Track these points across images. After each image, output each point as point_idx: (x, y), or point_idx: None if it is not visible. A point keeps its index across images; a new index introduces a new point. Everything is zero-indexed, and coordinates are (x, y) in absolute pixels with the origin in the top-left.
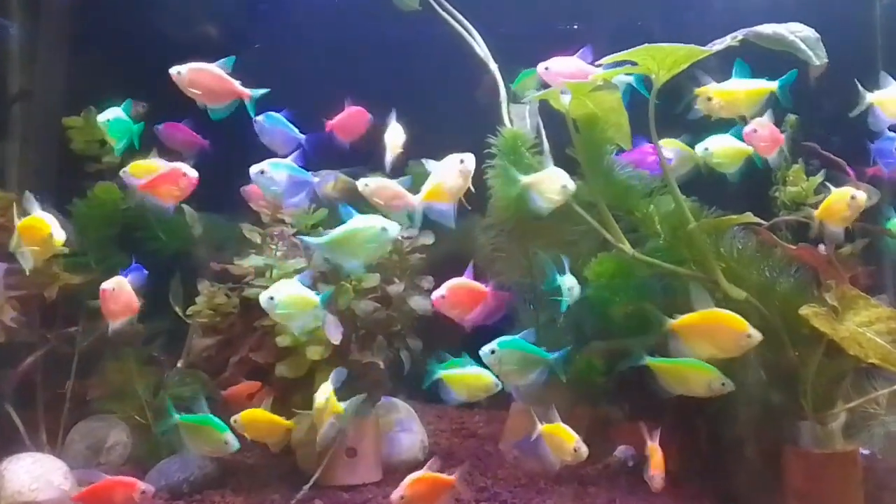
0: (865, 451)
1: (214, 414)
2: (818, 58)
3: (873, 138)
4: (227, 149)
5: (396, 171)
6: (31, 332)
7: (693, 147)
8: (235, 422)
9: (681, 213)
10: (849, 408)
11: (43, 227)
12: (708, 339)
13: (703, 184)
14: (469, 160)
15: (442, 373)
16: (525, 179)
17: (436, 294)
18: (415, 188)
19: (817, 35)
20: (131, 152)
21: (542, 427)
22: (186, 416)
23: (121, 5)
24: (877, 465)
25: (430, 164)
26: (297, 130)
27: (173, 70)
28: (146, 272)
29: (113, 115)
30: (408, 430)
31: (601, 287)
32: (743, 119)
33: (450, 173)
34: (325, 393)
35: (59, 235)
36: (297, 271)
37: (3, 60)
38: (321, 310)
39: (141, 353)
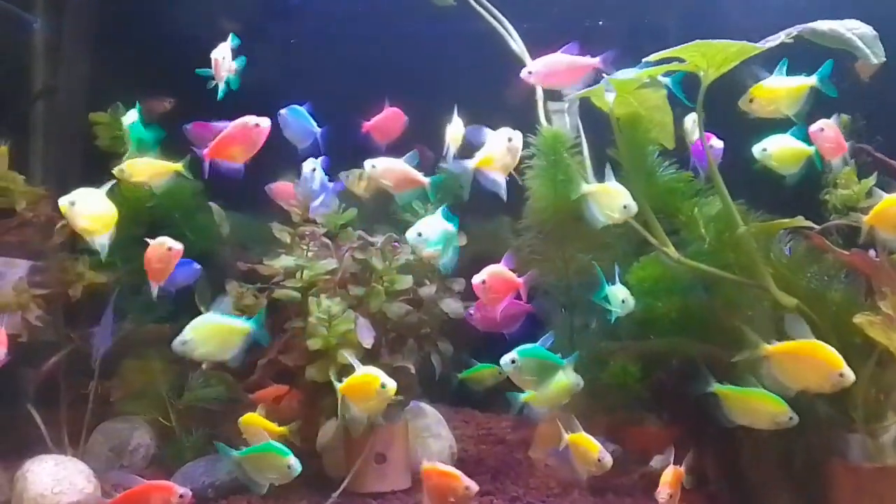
0: None
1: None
2: (876, 56)
3: None
4: None
5: (429, 170)
6: (56, 331)
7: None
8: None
9: (729, 216)
10: None
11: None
12: (799, 370)
13: (749, 186)
14: (517, 138)
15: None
16: (586, 188)
17: (476, 279)
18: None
19: (875, 32)
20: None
21: (568, 436)
22: (245, 450)
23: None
24: None
25: (484, 132)
26: (315, 124)
27: None
28: (198, 266)
29: (131, 120)
30: (436, 435)
31: (644, 292)
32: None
33: (500, 148)
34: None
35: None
36: (329, 273)
37: (28, 56)
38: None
39: (165, 353)
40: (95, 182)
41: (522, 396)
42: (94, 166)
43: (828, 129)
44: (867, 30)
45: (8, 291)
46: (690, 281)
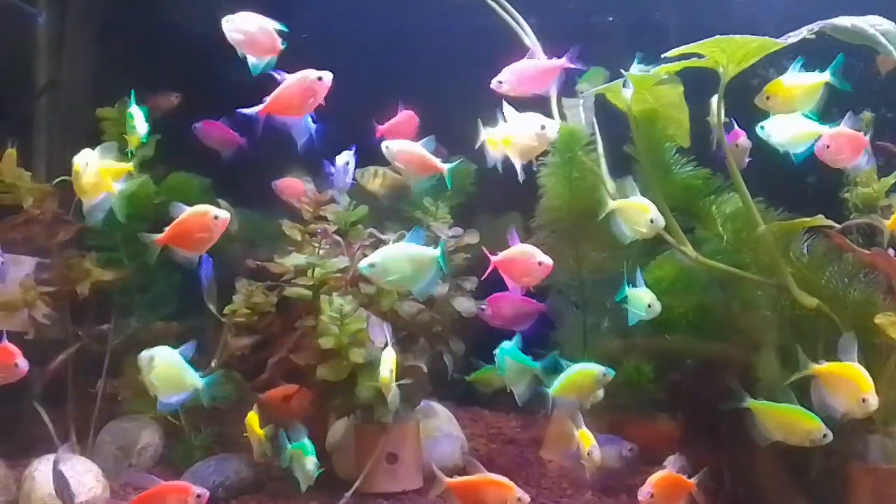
0: None
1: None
2: None
3: None
4: (258, 143)
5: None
6: (63, 328)
7: None
8: None
9: (748, 215)
10: None
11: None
12: (834, 391)
13: (768, 183)
14: (551, 128)
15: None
16: (613, 204)
17: (497, 257)
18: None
19: None
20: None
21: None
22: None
23: None
24: None
25: (510, 112)
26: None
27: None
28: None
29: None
30: (447, 434)
31: (661, 292)
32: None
33: (528, 132)
34: (389, 363)
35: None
36: (340, 271)
37: (32, 50)
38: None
39: None
40: None
41: (552, 389)
42: None
43: (833, 142)
44: (890, 26)
45: (15, 288)
46: (707, 280)
